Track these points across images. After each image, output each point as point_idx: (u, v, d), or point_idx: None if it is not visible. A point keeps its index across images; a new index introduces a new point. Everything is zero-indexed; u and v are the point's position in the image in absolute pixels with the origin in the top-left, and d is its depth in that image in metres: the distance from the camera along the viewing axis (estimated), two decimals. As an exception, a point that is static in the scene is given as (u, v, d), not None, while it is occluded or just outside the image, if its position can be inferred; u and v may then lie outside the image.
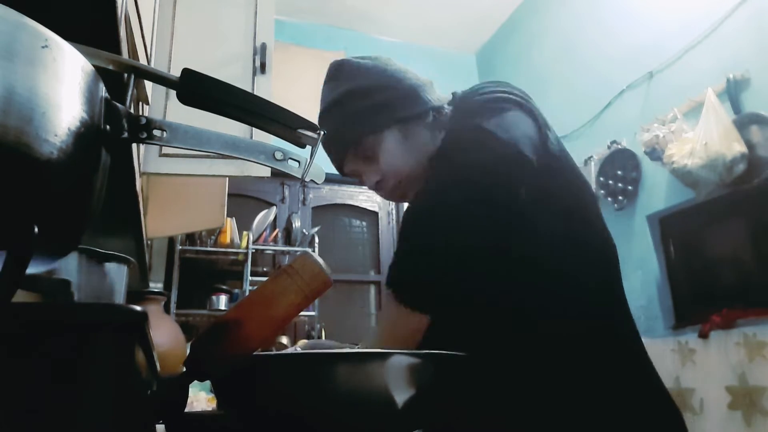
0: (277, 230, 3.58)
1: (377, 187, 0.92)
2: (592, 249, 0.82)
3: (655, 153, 2.57)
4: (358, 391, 0.51)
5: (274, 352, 0.56)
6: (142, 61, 1.02)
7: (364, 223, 4.08)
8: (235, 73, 1.73)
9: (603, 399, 0.73)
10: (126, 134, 0.45)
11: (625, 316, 0.84)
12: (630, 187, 2.81)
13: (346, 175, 0.96)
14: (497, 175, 0.71)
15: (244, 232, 3.31)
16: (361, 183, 0.95)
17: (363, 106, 0.89)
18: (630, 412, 0.74)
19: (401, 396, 0.51)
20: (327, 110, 0.92)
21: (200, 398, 1.60)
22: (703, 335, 2.32)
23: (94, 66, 0.40)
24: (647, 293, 2.70)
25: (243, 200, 3.63)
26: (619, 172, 2.87)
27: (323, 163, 0.59)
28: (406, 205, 0.95)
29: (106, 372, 0.37)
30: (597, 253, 0.83)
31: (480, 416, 0.75)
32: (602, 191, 2.91)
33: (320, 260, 0.55)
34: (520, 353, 0.75)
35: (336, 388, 0.51)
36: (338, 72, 0.95)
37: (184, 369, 0.52)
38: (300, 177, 0.56)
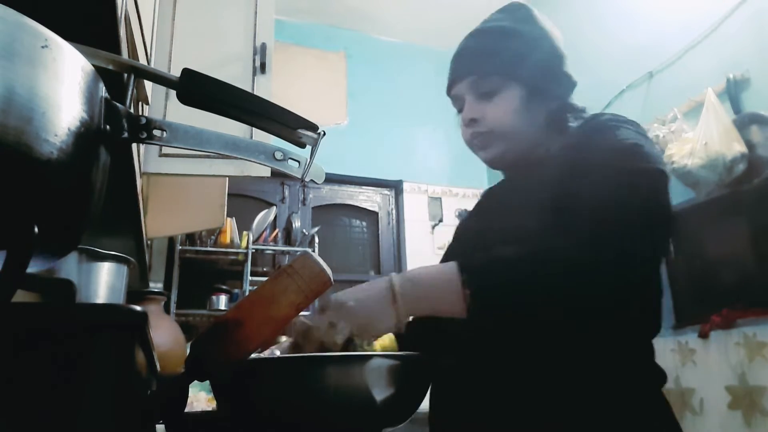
0: (277, 230, 3.57)
1: (469, 124, 0.87)
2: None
3: (655, 153, 2.57)
4: (343, 390, 0.51)
5: (264, 356, 0.56)
6: (142, 61, 1.02)
7: (364, 223, 4.08)
8: (235, 73, 1.73)
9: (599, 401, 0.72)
10: (126, 134, 0.45)
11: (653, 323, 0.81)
12: (630, 187, 2.81)
13: (450, 95, 0.92)
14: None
15: (244, 232, 3.31)
16: (458, 110, 0.91)
17: (517, 50, 0.86)
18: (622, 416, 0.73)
19: (385, 394, 0.52)
20: (481, 31, 0.90)
21: (200, 398, 1.60)
22: (703, 335, 2.32)
23: (94, 66, 0.40)
24: (647, 293, 2.70)
25: (243, 200, 3.63)
26: (619, 172, 2.87)
27: (323, 163, 0.59)
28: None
29: (107, 372, 0.37)
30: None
31: (468, 415, 0.75)
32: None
33: (320, 260, 0.55)
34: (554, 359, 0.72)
35: (323, 388, 0.51)
36: (516, 9, 0.92)
37: (184, 369, 0.52)
38: (300, 177, 0.56)
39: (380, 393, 0.52)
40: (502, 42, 0.86)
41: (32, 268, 0.38)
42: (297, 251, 3.40)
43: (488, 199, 0.96)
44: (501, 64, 0.85)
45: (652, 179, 0.70)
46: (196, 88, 0.51)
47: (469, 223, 0.97)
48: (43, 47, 0.34)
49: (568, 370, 0.71)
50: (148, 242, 2.01)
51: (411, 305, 0.66)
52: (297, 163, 0.55)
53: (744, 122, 2.23)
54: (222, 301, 3.15)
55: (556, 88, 0.88)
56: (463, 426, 0.75)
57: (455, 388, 0.78)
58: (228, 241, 3.26)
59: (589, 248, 0.65)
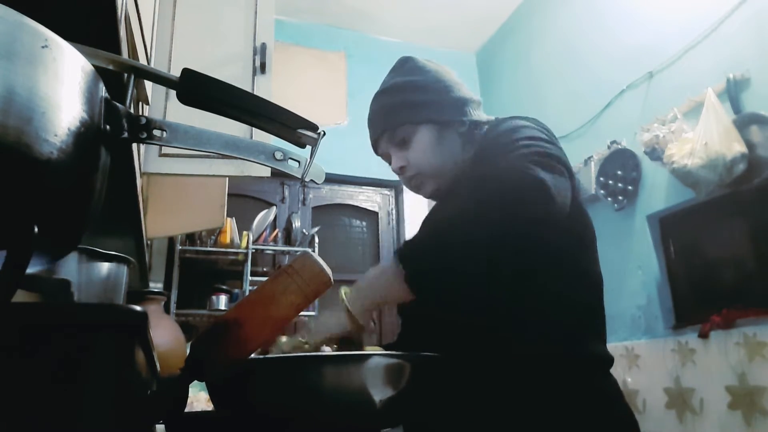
0: (277, 230, 3.57)
1: (400, 172, 0.99)
2: (589, 280, 0.90)
3: (655, 153, 2.57)
4: (342, 389, 0.51)
5: (261, 356, 0.56)
6: (142, 61, 1.02)
7: (364, 223, 4.08)
8: (235, 73, 1.73)
9: (564, 414, 0.77)
10: (126, 134, 0.45)
11: (601, 342, 0.88)
12: (630, 187, 2.81)
13: (378, 154, 1.04)
14: (528, 218, 0.74)
15: (244, 232, 3.31)
16: (389, 163, 1.02)
17: (410, 98, 0.97)
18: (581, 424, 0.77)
19: (382, 394, 0.52)
20: (380, 93, 1.02)
21: (200, 398, 1.60)
22: (703, 335, 2.32)
23: (94, 66, 0.40)
24: (647, 293, 2.70)
25: (243, 200, 3.63)
26: (619, 172, 2.87)
27: (323, 163, 0.59)
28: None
29: (107, 372, 0.37)
30: (595, 283, 0.90)
31: (454, 415, 0.79)
32: (602, 191, 2.91)
33: (320, 260, 0.55)
34: (497, 365, 0.80)
35: (318, 388, 0.51)
36: (402, 65, 1.05)
37: (184, 369, 0.52)
38: (300, 177, 0.56)
39: (379, 393, 0.52)
40: (400, 96, 0.98)
41: (32, 268, 0.38)
42: (297, 251, 3.40)
43: (432, 211, 1.08)
44: (405, 114, 0.96)
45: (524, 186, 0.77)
46: (196, 88, 0.51)
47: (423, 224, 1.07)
48: (43, 47, 0.34)
49: (498, 364, 0.79)
50: (148, 242, 2.01)
51: (360, 307, 0.76)
52: (297, 163, 0.55)
53: (744, 122, 2.23)
54: (222, 301, 3.15)
55: (458, 114, 0.98)
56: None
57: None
58: (228, 241, 3.26)
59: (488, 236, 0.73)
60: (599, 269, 0.92)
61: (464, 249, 0.73)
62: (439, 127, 0.96)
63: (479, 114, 1.00)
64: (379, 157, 1.04)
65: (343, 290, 0.76)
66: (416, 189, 1.01)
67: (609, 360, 0.86)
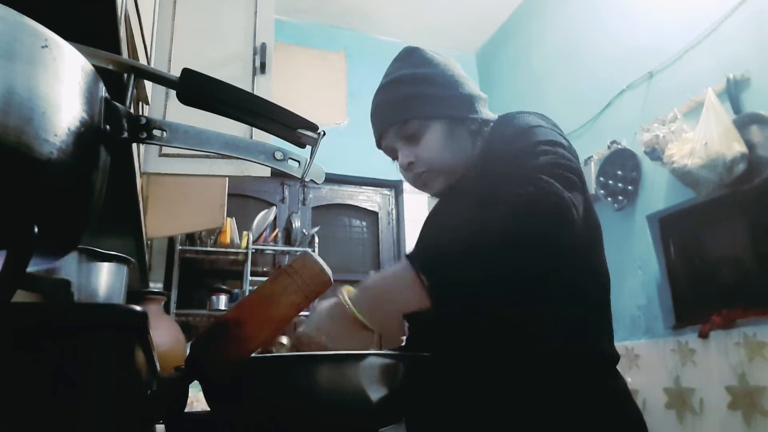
0: (277, 230, 3.57)
1: (408, 169, 0.95)
2: (599, 277, 0.88)
3: (655, 153, 2.57)
4: (336, 389, 0.51)
5: (258, 355, 0.56)
6: (142, 61, 1.02)
7: (364, 223, 4.08)
8: (235, 73, 1.73)
9: (575, 417, 0.76)
10: (126, 134, 0.45)
11: (609, 339, 0.88)
12: (630, 187, 2.81)
13: (381, 148, 1.00)
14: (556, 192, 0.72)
15: (244, 232, 3.31)
16: (393, 158, 0.99)
17: (421, 91, 0.93)
18: (589, 422, 0.77)
19: (378, 393, 0.52)
20: (387, 84, 0.97)
21: (200, 398, 1.60)
22: (703, 335, 2.32)
23: (94, 66, 0.40)
24: (647, 293, 2.70)
25: (243, 200, 3.63)
26: (619, 172, 2.87)
27: (323, 163, 0.59)
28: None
29: (107, 372, 0.37)
30: (602, 281, 0.89)
31: (452, 415, 0.78)
32: (602, 191, 2.91)
33: (320, 260, 0.55)
34: (498, 361, 0.79)
35: (315, 388, 0.51)
36: (409, 55, 0.99)
37: (184, 369, 0.52)
38: (300, 177, 0.56)
39: (376, 392, 0.52)
40: (409, 88, 0.94)
41: (32, 268, 0.38)
42: (297, 251, 3.40)
43: (435, 208, 1.03)
44: (416, 109, 0.93)
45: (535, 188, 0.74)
46: (196, 88, 0.51)
47: (427, 222, 1.04)
48: (43, 47, 0.34)
49: (509, 366, 0.78)
50: (148, 242, 2.01)
51: (376, 317, 0.70)
52: (297, 163, 0.55)
53: (744, 122, 2.23)
54: (222, 301, 3.15)
55: (468, 110, 0.95)
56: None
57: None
58: (228, 241, 3.26)
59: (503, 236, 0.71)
60: (606, 267, 0.91)
61: (487, 262, 0.71)
62: (450, 123, 0.93)
63: (487, 111, 0.98)
64: (381, 152, 1.00)
65: (346, 291, 0.71)
66: (423, 186, 0.97)
67: (617, 358, 0.86)
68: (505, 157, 0.83)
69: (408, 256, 0.73)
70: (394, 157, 0.99)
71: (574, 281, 0.83)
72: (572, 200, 0.72)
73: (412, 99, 0.93)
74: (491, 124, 0.96)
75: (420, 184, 0.97)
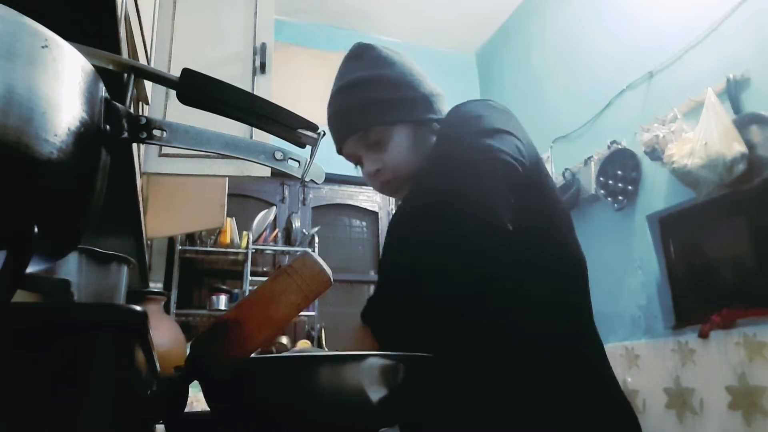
0: (277, 230, 3.57)
1: (374, 176, 0.93)
2: (560, 263, 0.83)
3: (655, 153, 2.57)
4: (336, 390, 0.51)
5: (258, 356, 0.56)
6: (142, 61, 1.02)
7: (364, 223, 4.08)
8: (235, 73, 1.73)
9: (560, 408, 0.75)
10: (126, 134, 0.45)
11: (585, 326, 0.85)
12: (630, 187, 2.81)
13: (342, 155, 0.97)
14: (485, 190, 0.73)
15: (244, 232, 3.31)
16: (356, 164, 0.97)
17: (381, 96, 0.90)
18: (584, 421, 0.76)
19: (376, 394, 0.52)
20: (343, 89, 0.93)
21: (200, 398, 1.60)
22: (703, 335, 2.32)
23: (94, 66, 0.40)
24: (647, 293, 2.70)
25: (243, 200, 3.63)
26: (619, 172, 2.87)
27: (323, 163, 0.59)
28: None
29: (107, 372, 0.37)
30: (567, 269, 0.84)
31: (446, 416, 0.77)
32: (602, 191, 2.91)
33: (320, 260, 0.55)
34: (483, 362, 0.78)
35: (315, 388, 0.51)
36: (363, 54, 0.95)
37: (184, 369, 0.52)
38: (300, 177, 0.56)
39: (376, 392, 0.52)
40: (369, 93, 0.90)
41: (32, 268, 0.38)
42: (297, 251, 3.40)
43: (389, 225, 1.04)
44: (378, 115, 0.89)
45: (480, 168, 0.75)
46: (196, 88, 0.51)
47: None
48: (43, 47, 0.34)
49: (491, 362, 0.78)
50: (148, 242, 2.01)
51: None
52: (297, 163, 0.55)
53: (744, 122, 2.23)
54: (222, 301, 3.15)
55: (429, 111, 0.92)
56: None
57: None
58: (228, 241, 3.26)
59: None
60: (579, 253, 0.87)
61: (420, 261, 0.73)
62: (413, 126, 0.91)
63: (446, 108, 0.95)
64: (345, 157, 0.97)
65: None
66: (393, 192, 0.95)
67: (599, 344, 0.84)
68: (447, 147, 0.82)
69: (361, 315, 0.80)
70: (357, 163, 0.96)
71: (526, 268, 0.79)
72: (494, 145, 0.74)
73: (371, 105, 0.89)
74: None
75: (389, 190, 0.95)
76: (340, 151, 0.97)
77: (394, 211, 1.00)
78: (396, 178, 0.92)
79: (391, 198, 4.06)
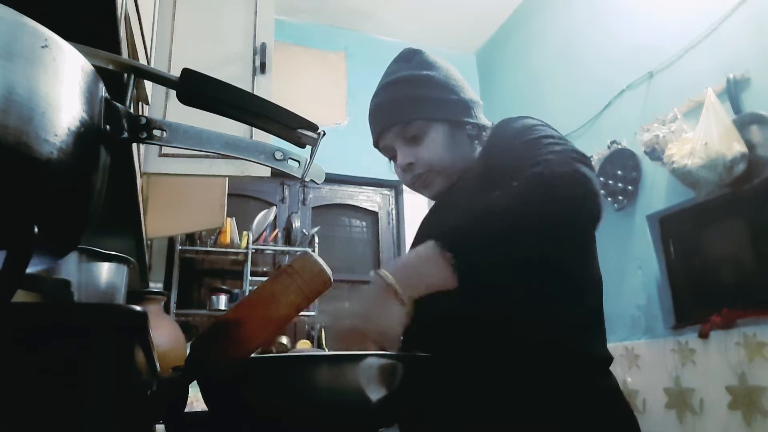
0: (277, 230, 3.57)
1: (407, 169, 0.96)
2: (593, 277, 0.89)
3: (655, 153, 2.57)
4: (335, 390, 0.51)
5: (258, 356, 0.56)
6: (142, 61, 1.02)
7: (364, 223, 4.08)
8: (235, 73, 1.73)
9: (558, 407, 0.76)
10: (126, 134, 0.45)
11: (598, 329, 0.87)
12: (630, 187, 2.81)
13: (379, 148, 1.00)
14: (576, 222, 0.75)
15: (244, 232, 3.31)
16: (390, 158, 1.00)
17: (424, 93, 0.94)
18: (580, 419, 0.76)
19: (376, 394, 0.52)
20: (389, 84, 0.97)
21: (200, 398, 1.60)
22: (703, 335, 2.32)
23: (94, 66, 0.40)
24: (647, 293, 2.70)
25: (243, 200, 3.63)
26: (619, 172, 2.87)
27: (323, 163, 0.59)
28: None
29: (107, 372, 0.37)
30: (596, 281, 0.90)
31: (447, 415, 0.77)
32: (602, 191, 2.91)
33: (320, 260, 0.55)
34: (484, 363, 0.79)
35: (315, 388, 0.51)
36: (411, 57, 1.01)
37: (184, 369, 0.52)
38: (300, 177, 0.56)
39: (376, 392, 0.52)
40: (413, 90, 0.95)
41: (32, 268, 0.38)
42: (297, 251, 3.40)
43: (436, 207, 1.03)
44: (419, 110, 0.93)
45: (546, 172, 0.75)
46: (196, 88, 0.51)
47: (427, 220, 1.04)
48: (43, 47, 0.34)
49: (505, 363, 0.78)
50: (148, 242, 2.01)
51: (410, 291, 0.69)
52: (297, 163, 0.55)
53: (744, 122, 2.23)
54: (222, 301, 3.15)
55: (468, 115, 0.96)
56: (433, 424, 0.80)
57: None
58: (228, 241, 3.26)
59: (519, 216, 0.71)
60: (599, 267, 0.92)
61: (516, 246, 0.71)
62: (451, 125, 0.95)
63: (483, 118, 1.00)
64: (379, 152, 1.00)
65: (383, 273, 0.70)
66: (423, 187, 0.98)
67: (610, 359, 0.86)
68: (509, 154, 0.84)
69: (434, 237, 0.72)
70: (392, 157, 0.99)
71: (578, 278, 0.84)
72: (593, 179, 0.73)
73: (415, 100, 0.94)
74: (488, 129, 0.97)
75: (419, 185, 0.97)
76: (376, 144, 1.00)
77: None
78: (428, 172, 0.95)
79: (391, 198, 4.06)
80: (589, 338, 0.84)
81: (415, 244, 1.03)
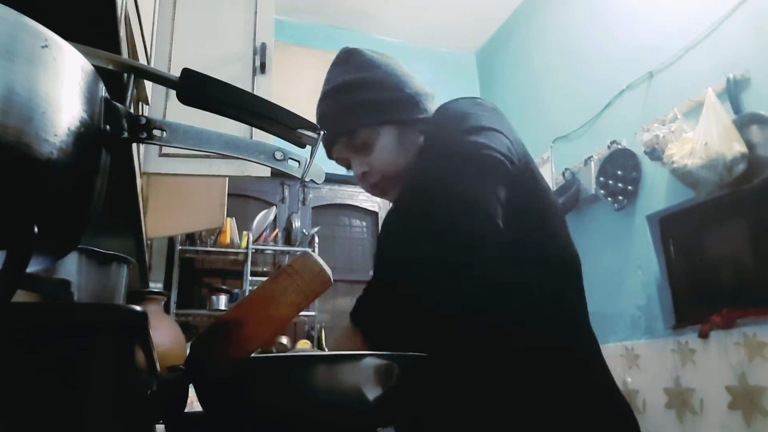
0: (277, 230, 3.58)
1: (362, 178, 0.94)
2: (553, 261, 0.83)
3: (655, 153, 2.57)
4: (334, 390, 0.51)
5: (258, 356, 0.56)
6: (142, 61, 1.02)
7: (364, 223, 4.08)
8: (235, 73, 1.73)
9: (554, 406, 0.75)
10: (126, 134, 0.45)
11: (580, 324, 0.84)
12: (630, 187, 2.81)
13: (333, 159, 0.97)
14: (475, 188, 0.73)
15: (244, 232, 3.31)
16: (347, 168, 0.97)
17: (367, 98, 0.91)
18: (578, 418, 0.75)
19: (374, 394, 0.52)
20: (330, 92, 0.94)
21: (200, 398, 1.60)
22: (703, 335, 2.32)
23: (94, 66, 0.40)
24: (647, 293, 2.70)
25: (243, 200, 3.63)
26: (619, 172, 2.87)
27: (323, 163, 0.59)
28: None
29: (107, 372, 0.37)
30: (557, 264, 0.84)
31: (441, 415, 0.77)
32: (602, 191, 2.91)
33: (320, 260, 0.55)
34: (476, 361, 0.78)
35: (313, 388, 0.51)
36: (349, 58, 0.96)
37: (184, 369, 0.52)
38: (300, 177, 0.56)
39: (374, 392, 0.52)
40: (354, 95, 0.91)
41: (32, 268, 0.38)
42: (297, 251, 3.40)
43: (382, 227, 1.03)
44: (363, 117, 0.90)
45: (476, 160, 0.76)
46: (196, 88, 0.51)
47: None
48: (43, 47, 0.34)
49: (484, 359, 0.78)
50: (148, 242, 2.01)
51: None
52: (297, 163, 0.55)
53: (744, 122, 2.23)
54: (222, 301, 3.15)
55: (416, 111, 0.92)
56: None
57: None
58: (228, 241, 3.26)
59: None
60: (572, 250, 0.87)
61: (412, 259, 0.72)
62: (399, 127, 0.91)
63: (433, 108, 0.94)
64: (336, 162, 0.97)
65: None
66: (381, 194, 0.96)
67: (596, 345, 0.83)
68: (437, 146, 0.82)
69: (350, 314, 0.79)
70: (347, 167, 0.97)
71: (527, 273, 0.79)
72: (488, 143, 0.74)
73: (357, 107, 0.90)
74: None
75: (378, 193, 0.96)
76: (330, 156, 0.97)
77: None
78: (384, 180, 0.92)
79: (391, 198, 4.07)
80: (564, 328, 0.81)
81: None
